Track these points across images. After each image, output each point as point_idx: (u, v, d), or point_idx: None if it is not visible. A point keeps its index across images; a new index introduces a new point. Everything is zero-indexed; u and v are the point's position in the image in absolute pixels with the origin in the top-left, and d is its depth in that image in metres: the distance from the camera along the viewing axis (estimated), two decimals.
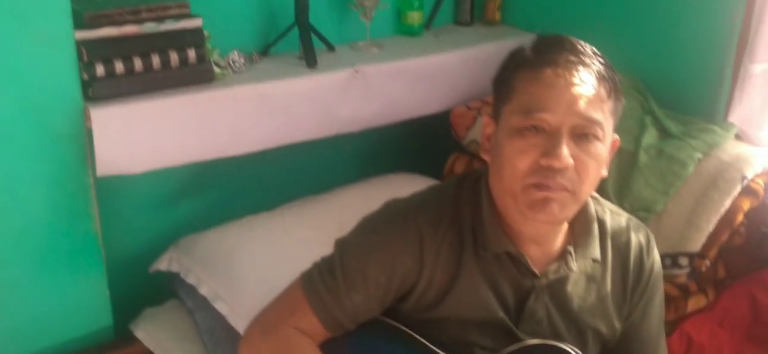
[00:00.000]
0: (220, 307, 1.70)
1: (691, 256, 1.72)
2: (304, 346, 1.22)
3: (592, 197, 1.31)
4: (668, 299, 1.80)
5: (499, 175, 1.18)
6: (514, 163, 1.14)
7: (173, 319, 1.85)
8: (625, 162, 1.81)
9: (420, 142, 2.43)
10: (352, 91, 2.02)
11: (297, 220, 1.94)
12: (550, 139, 1.12)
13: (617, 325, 1.33)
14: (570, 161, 1.11)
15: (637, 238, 1.33)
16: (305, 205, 2.02)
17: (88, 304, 1.78)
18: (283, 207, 2.02)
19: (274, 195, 2.08)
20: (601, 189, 1.82)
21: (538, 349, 1.23)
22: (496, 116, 1.22)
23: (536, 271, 1.24)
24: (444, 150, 2.24)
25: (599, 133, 1.14)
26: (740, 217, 1.71)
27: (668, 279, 1.76)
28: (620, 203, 1.78)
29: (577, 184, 1.14)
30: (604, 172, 1.20)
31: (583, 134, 1.13)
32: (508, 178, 1.15)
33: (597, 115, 1.13)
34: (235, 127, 1.84)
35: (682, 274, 1.74)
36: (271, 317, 1.27)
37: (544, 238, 1.24)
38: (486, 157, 1.25)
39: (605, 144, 1.17)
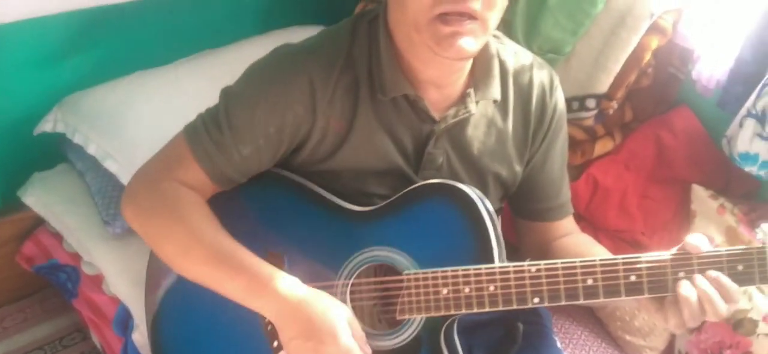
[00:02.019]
0: (110, 165, 1.63)
1: (599, 98, 1.70)
2: (186, 197, 1.14)
3: (495, 36, 1.25)
4: (575, 143, 1.79)
5: (402, 7, 1.09)
6: None
7: (63, 182, 1.78)
8: (533, 2, 1.75)
9: None
10: None
11: (191, 74, 1.84)
12: None
13: (518, 168, 1.30)
14: None
15: (539, 79, 1.29)
16: (200, 59, 1.92)
17: None
18: (177, 62, 1.90)
19: (169, 52, 1.95)
20: (509, 31, 1.78)
21: (436, 187, 1.17)
22: None
23: (435, 115, 1.19)
24: None
25: None
26: (648, 56, 1.67)
27: (576, 122, 1.75)
28: (529, 45, 1.73)
29: (486, 10, 1.06)
30: None
31: None
32: (413, 10, 1.07)
33: None
34: None
35: (589, 116, 1.72)
36: (153, 170, 1.19)
37: (444, 80, 1.18)
38: None
39: None
